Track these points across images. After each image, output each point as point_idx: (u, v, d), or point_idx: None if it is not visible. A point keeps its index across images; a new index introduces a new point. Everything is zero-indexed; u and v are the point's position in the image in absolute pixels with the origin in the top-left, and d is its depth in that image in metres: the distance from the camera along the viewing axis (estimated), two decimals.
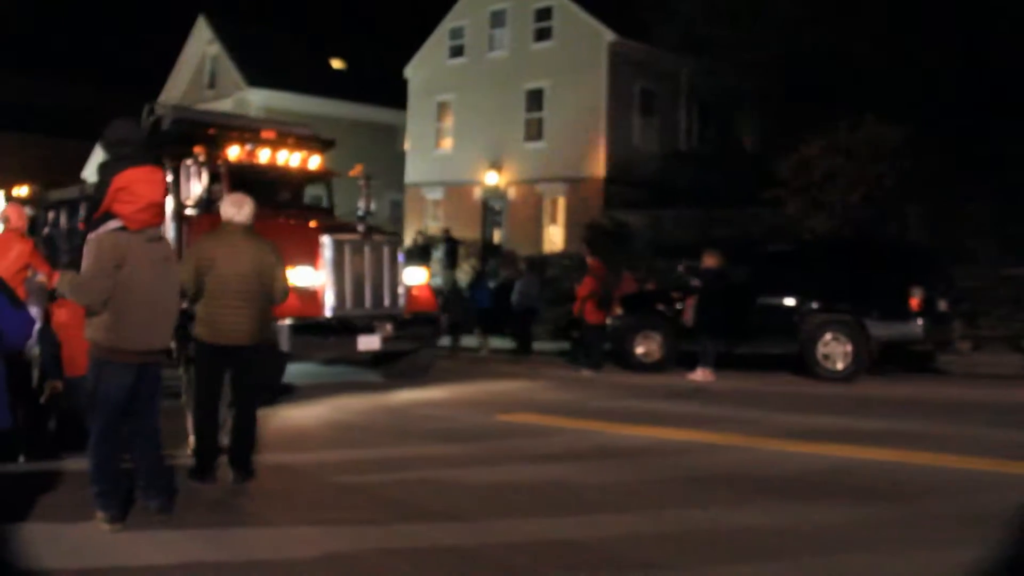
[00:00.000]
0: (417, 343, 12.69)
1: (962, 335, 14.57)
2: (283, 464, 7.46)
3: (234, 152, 12.45)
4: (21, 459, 7.32)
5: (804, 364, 13.05)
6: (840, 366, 12.73)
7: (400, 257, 12.34)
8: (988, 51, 19.25)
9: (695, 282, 13.49)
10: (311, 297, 11.24)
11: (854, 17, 21.53)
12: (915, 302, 12.54)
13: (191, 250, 6.92)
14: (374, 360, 13.18)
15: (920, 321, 12.57)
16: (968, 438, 8.34)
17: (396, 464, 7.49)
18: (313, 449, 8.25)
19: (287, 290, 7.13)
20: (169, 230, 11.93)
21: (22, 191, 16.81)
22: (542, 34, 29.24)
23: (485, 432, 9.10)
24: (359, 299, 11.71)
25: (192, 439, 6.93)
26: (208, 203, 11.40)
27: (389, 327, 11.90)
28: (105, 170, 5.54)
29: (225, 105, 36.38)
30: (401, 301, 12.20)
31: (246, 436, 6.85)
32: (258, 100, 34.88)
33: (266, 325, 7.03)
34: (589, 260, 15.28)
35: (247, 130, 13.31)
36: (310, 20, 60.70)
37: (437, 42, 32.29)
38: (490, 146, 29.66)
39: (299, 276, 10.94)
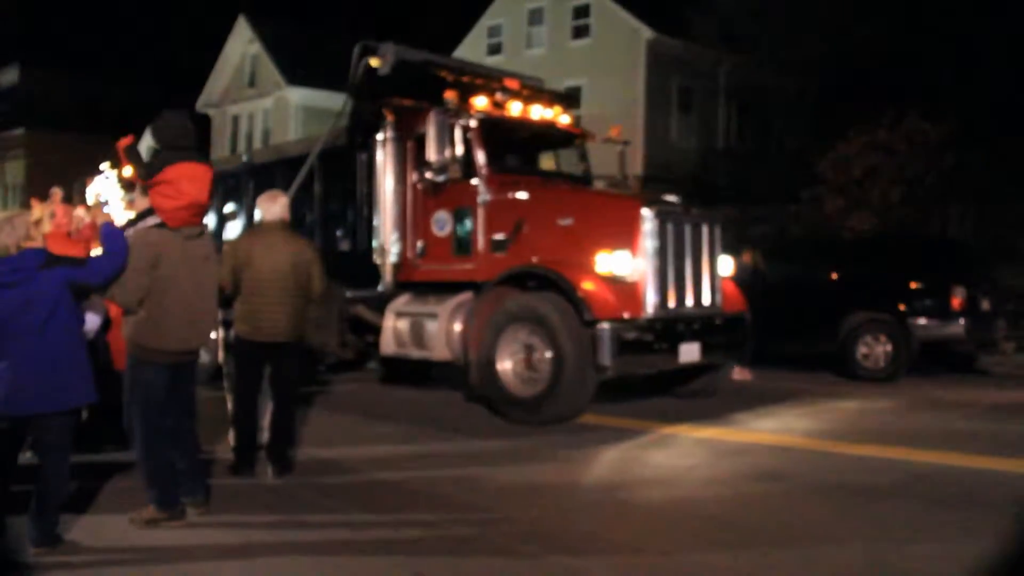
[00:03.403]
0: (730, 354, 10.19)
1: (1006, 335, 14.36)
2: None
3: (481, 103, 10.16)
4: None
5: (844, 363, 12.92)
6: (880, 365, 12.59)
7: (719, 240, 9.90)
8: None
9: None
10: (629, 292, 8.80)
11: (894, 14, 21.27)
12: (957, 301, 12.36)
13: (228, 247, 6.97)
14: (649, 377, 10.05)
15: (962, 321, 12.38)
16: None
17: None
18: None
19: (325, 287, 7.19)
20: (387, 203, 10.50)
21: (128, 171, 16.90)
22: (580, 32, 29.21)
23: None
24: (681, 295, 9.28)
25: (232, 434, 7.02)
26: (457, 167, 9.74)
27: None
28: (155, 160, 5.47)
29: (265, 104, 36.74)
30: (719, 298, 9.85)
31: (284, 431, 6.93)
32: (298, 99, 35.15)
33: (303, 322, 7.09)
34: None
35: (487, 77, 11.06)
36: (348, 18, 61.07)
37: (475, 40, 32.33)
38: None
39: (615, 263, 8.84)
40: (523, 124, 10.66)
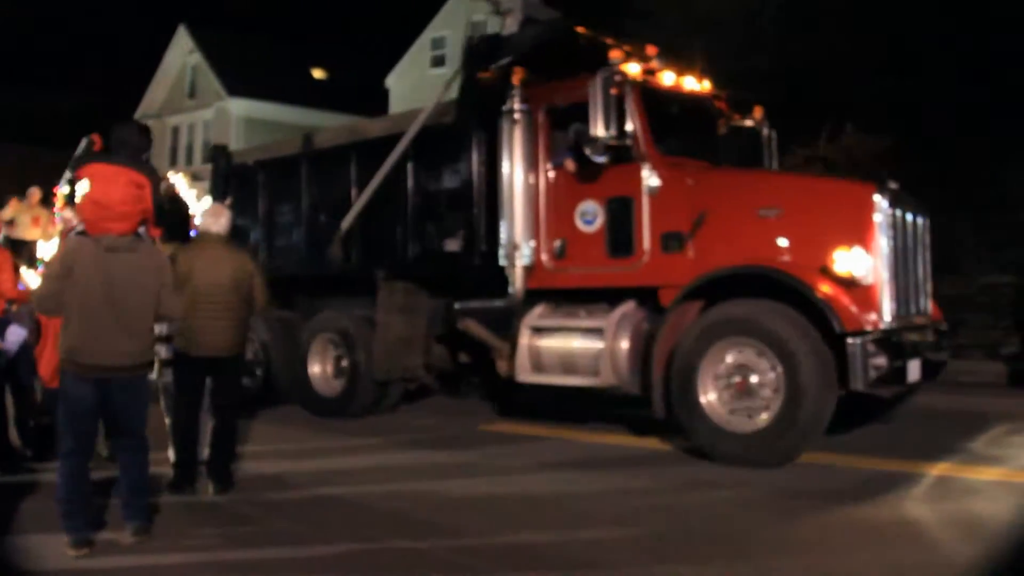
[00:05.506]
0: (934, 371, 8.18)
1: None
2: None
3: (634, 70, 8.37)
4: None
5: None
6: None
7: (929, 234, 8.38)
8: (970, 60, 19.38)
9: None
10: (866, 298, 7.23)
11: (836, 29, 21.67)
12: None
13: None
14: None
15: None
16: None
17: None
18: None
19: (267, 301, 7.09)
20: (516, 192, 8.71)
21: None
22: None
23: None
24: (908, 300, 7.79)
25: (171, 450, 6.87)
26: (626, 143, 8.00)
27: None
28: (74, 165, 5.34)
29: (206, 115, 36.28)
30: (931, 304, 8.42)
31: (225, 447, 6.79)
32: (239, 110, 34.80)
33: (245, 336, 6.98)
34: None
35: (620, 40, 9.41)
36: (291, 29, 60.67)
37: (419, 51, 32.34)
38: None
39: (852, 262, 7.28)
40: (683, 97, 9.06)
